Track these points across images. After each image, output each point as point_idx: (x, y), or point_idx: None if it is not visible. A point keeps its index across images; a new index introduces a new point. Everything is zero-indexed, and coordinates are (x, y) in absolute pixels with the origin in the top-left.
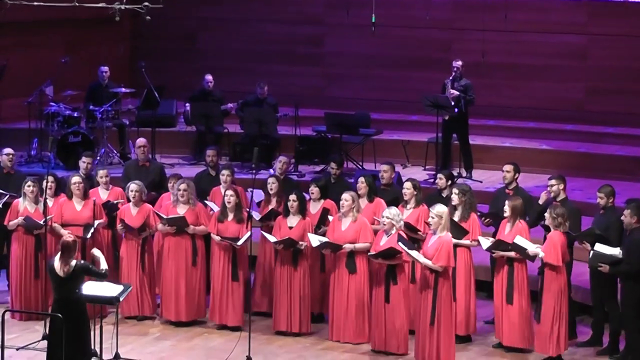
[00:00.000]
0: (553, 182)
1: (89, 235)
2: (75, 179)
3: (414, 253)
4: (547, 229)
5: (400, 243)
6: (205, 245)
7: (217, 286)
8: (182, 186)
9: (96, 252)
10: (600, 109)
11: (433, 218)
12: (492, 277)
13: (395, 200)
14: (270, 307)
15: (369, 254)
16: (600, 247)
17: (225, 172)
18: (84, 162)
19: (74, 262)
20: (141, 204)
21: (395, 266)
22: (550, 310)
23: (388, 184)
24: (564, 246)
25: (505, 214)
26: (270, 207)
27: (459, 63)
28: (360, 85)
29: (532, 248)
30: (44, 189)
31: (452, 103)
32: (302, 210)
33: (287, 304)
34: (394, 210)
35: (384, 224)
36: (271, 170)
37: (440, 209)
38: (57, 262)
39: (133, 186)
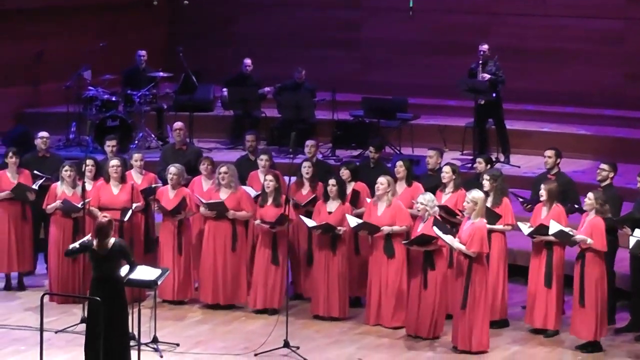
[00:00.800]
0: (604, 167)
1: (126, 219)
2: (114, 162)
3: (448, 238)
4: (581, 212)
5: (435, 227)
6: (246, 230)
7: (257, 270)
8: (223, 169)
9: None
10: (638, 94)
11: (468, 203)
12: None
13: (439, 186)
14: (309, 291)
15: (403, 242)
16: None
17: (263, 156)
18: (108, 146)
19: (112, 241)
20: (179, 188)
21: (433, 252)
22: (591, 295)
23: (434, 170)
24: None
25: (542, 198)
26: (302, 191)
27: (485, 47)
28: (398, 70)
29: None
30: (83, 172)
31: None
32: (342, 195)
33: (324, 289)
34: (428, 196)
35: (418, 210)
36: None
37: (476, 194)
38: (95, 242)
39: (172, 169)
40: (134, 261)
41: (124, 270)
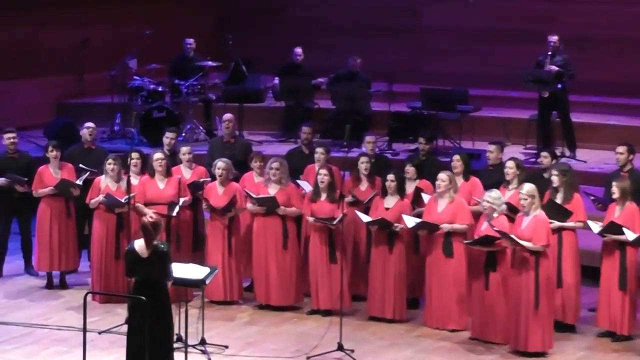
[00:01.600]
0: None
1: (174, 213)
2: (158, 155)
3: (511, 236)
4: None
5: (495, 227)
6: (297, 227)
7: (314, 269)
8: (274, 165)
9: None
10: None
11: (526, 199)
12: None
13: (501, 182)
14: (366, 291)
15: (465, 242)
16: None
17: (319, 150)
18: (167, 138)
19: (156, 244)
20: (228, 183)
21: (496, 252)
22: None
23: (495, 165)
24: None
25: (614, 196)
26: (361, 187)
27: (555, 38)
28: (458, 60)
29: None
30: (128, 165)
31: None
32: (401, 191)
33: (381, 288)
34: (494, 193)
35: (485, 208)
36: (363, 148)
37: (529, 188)
38: (138, 244)
39: (220, 164)
40: (171, 270)
41: (176, 267)
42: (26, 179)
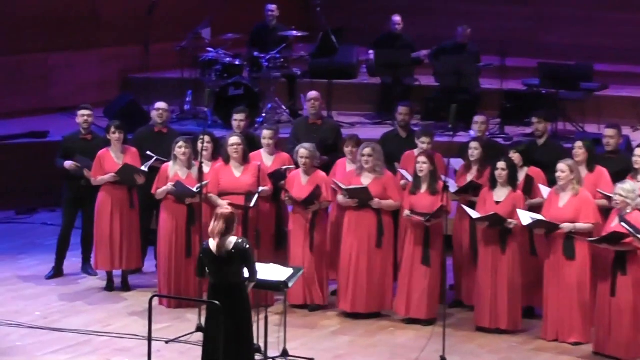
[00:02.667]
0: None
1: (252, 204)
2: (234, 139)
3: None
4: None
5: (624, 224)
6: (394, 222)
7: (406, 272)
8: (367, 151)
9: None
10: None
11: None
12: None
13: (623, 171)
14: (471, 298)
15: (589, 239)
16: None
17: (425, 139)
18: (236, 120)
19: (233, 240)
20: (312, 172)
21: (626, 253)
22: None
23: (614, 151)
24: None
25: None
26: (468, 177)
27: None
28: (581, 30)
29: None
30: (199, 151)
31: None
32: (512, 181)
33: (491, 295)
34: (628, 185)
35: (617, 202)
36: (471, 132)
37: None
38: (213, 242)
39: (303, 151)
40: (255, 269)
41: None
42: None
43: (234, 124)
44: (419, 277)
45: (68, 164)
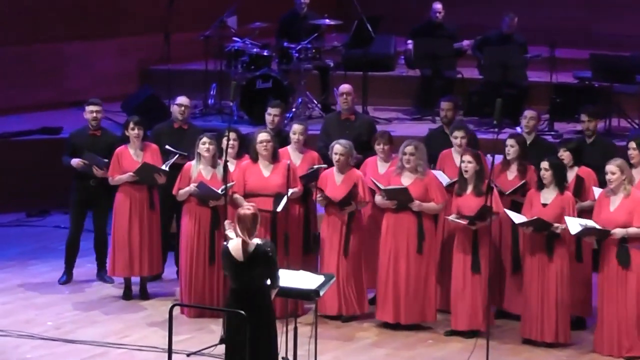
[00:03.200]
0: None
1: (279, 208)
2: (263, 136)
3: None
4: None
5: None
6: (435, 226)
7: (455, 280)
8: (409, 149)
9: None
10: None
11: None
12: None
13: None
14: (515, 306)
15: None
16: None
17: (458, 133)
18: (269, 115)
19: (255, 242)
20: (347, 170)
21: None
22: None
23: None
24: None
25: None
26: (507, 175)
27: None
28: (637, 19)
29: None
30: (224, 148)
31: None
32: (560, 183)
33: (538, 305)
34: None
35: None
36: (517, 129)
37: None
38: (233, 244)
39: (338, 147)
40: (278, 275)
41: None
42: (107, 161)
43: (268, 118)
44: (468, 285)
45: (75, 161)
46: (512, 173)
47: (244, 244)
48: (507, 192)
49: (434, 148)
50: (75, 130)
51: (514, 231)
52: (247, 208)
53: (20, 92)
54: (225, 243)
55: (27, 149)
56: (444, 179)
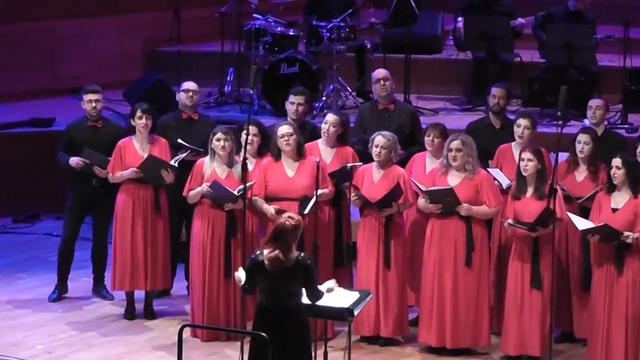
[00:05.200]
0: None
1: (306, 211)
2: (284, 129)
3: None
4: None
5: None
6: (488, 234)
7: (511, 297)
8: (455, 144)
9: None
10: None
11: None
12: None
13: None
14: (585, 330)
15: None
16: None
17: (522, 122)
18: (292, 104)
19: (295, 255)
20: (388, 166)
21: None
22: None
23: None
24: None
25: None
26: (576, 175)
27: None
28: None
29: None
30: (243, 143)
31: None
32: (634, 184)
33: (605, 326)
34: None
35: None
36: (585, 121)
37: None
38: (265, 253)
39: (380, 138)
40: (320, 292)
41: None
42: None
43: (290, 108)
44: (526, 302)
45: (74, 161)
46: (580, 174)
47: (283, 257)
48: (579, 200)
49: (480, 142)
50: (72, 122)
51: (584, 240)
52: (289, 217)
53: (6, 78)
54: (256, 252)
55: (15, 143)
56: (504, 180)
